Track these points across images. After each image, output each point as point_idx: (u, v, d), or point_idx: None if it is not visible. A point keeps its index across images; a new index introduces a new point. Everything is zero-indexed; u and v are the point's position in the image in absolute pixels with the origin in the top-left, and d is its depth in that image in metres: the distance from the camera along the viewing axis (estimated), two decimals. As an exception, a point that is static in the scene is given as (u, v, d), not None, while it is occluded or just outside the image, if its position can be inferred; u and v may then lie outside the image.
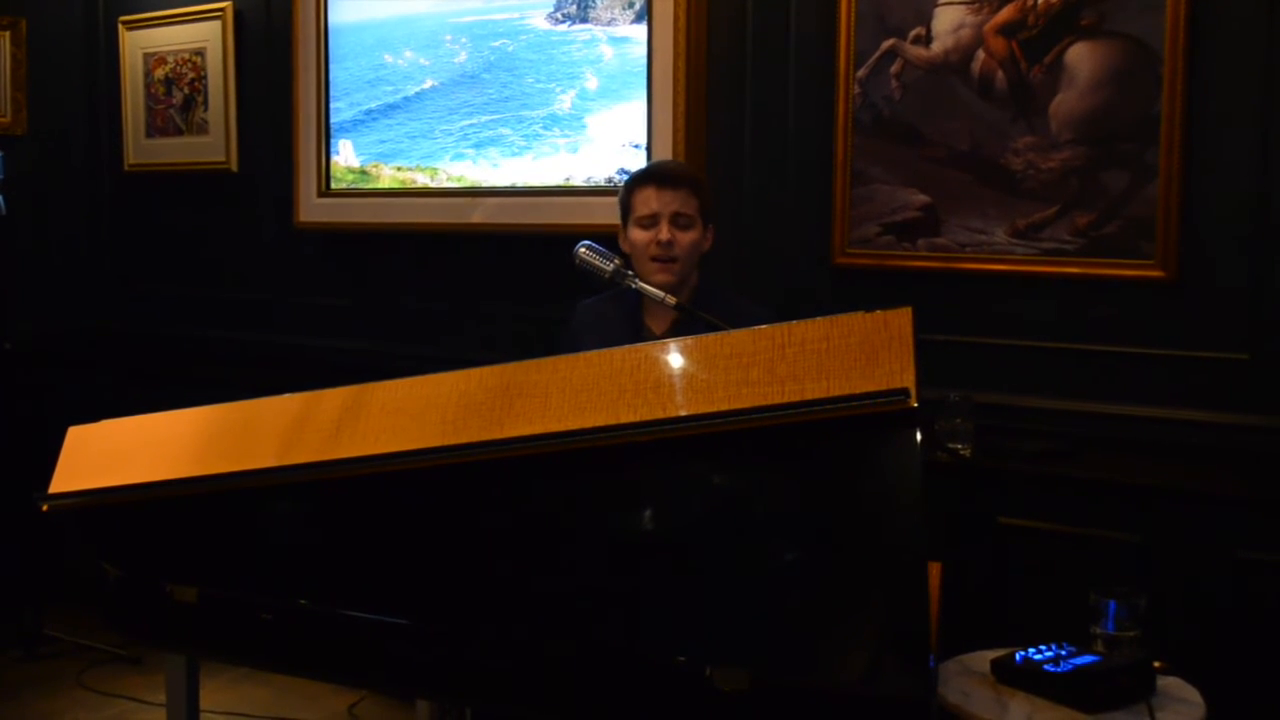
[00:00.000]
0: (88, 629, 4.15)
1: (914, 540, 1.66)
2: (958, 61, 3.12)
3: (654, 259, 2.66)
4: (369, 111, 4.14)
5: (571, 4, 3.73)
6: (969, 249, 3.13)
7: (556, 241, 2.98)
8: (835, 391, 1.69)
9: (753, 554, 1.75)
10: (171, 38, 4.64)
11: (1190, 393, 2.88)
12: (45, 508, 2.18)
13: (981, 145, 3.10)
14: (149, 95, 4.74)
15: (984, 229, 3.11)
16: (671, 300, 2.55)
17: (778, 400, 1.71)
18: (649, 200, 2.69)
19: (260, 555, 2.09)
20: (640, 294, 2.61)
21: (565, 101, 3.74)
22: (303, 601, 1.99)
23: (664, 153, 3.48)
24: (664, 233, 2.66)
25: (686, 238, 2.67)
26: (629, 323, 2.75)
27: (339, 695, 3.80)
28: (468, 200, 3.90)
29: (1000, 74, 3.06)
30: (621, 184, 2.87)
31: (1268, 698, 2.73)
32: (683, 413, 1.76)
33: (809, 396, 1.70)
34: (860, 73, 3.24)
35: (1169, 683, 2.40)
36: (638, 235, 2.69)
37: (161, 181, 4.78)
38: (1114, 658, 2.38)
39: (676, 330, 2.63)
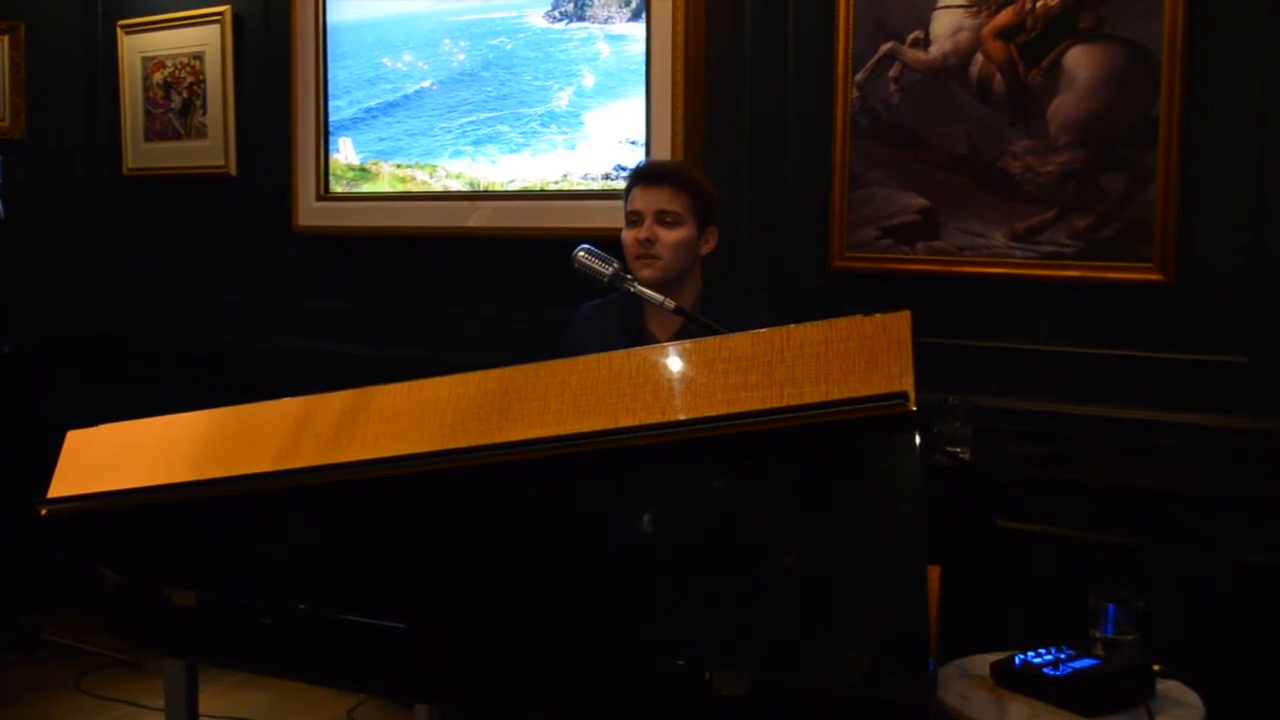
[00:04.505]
0: (86, 633, 4.14)
1: (913, 543, 1.66)
2: (956, 65, 3.13)
3: (636, 257, 2.67)
4: (369, 109, 4.15)
5: (569, 2, 3.74)
6: (967, 252, 3.13)
7: (555, 245, 2.98)
8: (834, 395, 1.69)
9: (752, 557, 1.75)
10: (170, 42, 4.64)
11: (1189, 396, 2.88)
12: (44, 512, 2.18)
13: (980, 148, 3.10)
14: (148, 99, 4.74)
15: (982, 232, 3.11)
16: (670, 304, 2.54)
17: (776, 404, 1.71)
18: (635, 198, 2.71)
19: (259, 559, 2.09)
20: (642, 298, 2.60)
21: (563, 99, 3.75)
22: (302, 606, 1.99)
23: (662, 150, 3.48)
24: (643, 231, 2.67)
25: (671, 236, 2.67)
26: (631, 328, 2.75)
27: (338, 700, 3.80)
28: (466, 204, 3.91)
29: (998, 77, 3.07)
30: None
31: (1267, 701, 2.73)
32: (681, 416, 1.76)
33: (808, 400, 1.70)
34: (858, 76, 3.25)
35: (1168, 686, 2.40)
36: (626, 233, 2.71)
37: (160, 185, 4.78)
38: (1113, 661, 2.38)
39: (682, 336, 2.62)
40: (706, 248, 2.75)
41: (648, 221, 2.67)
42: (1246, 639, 2.76)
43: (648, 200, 2.68)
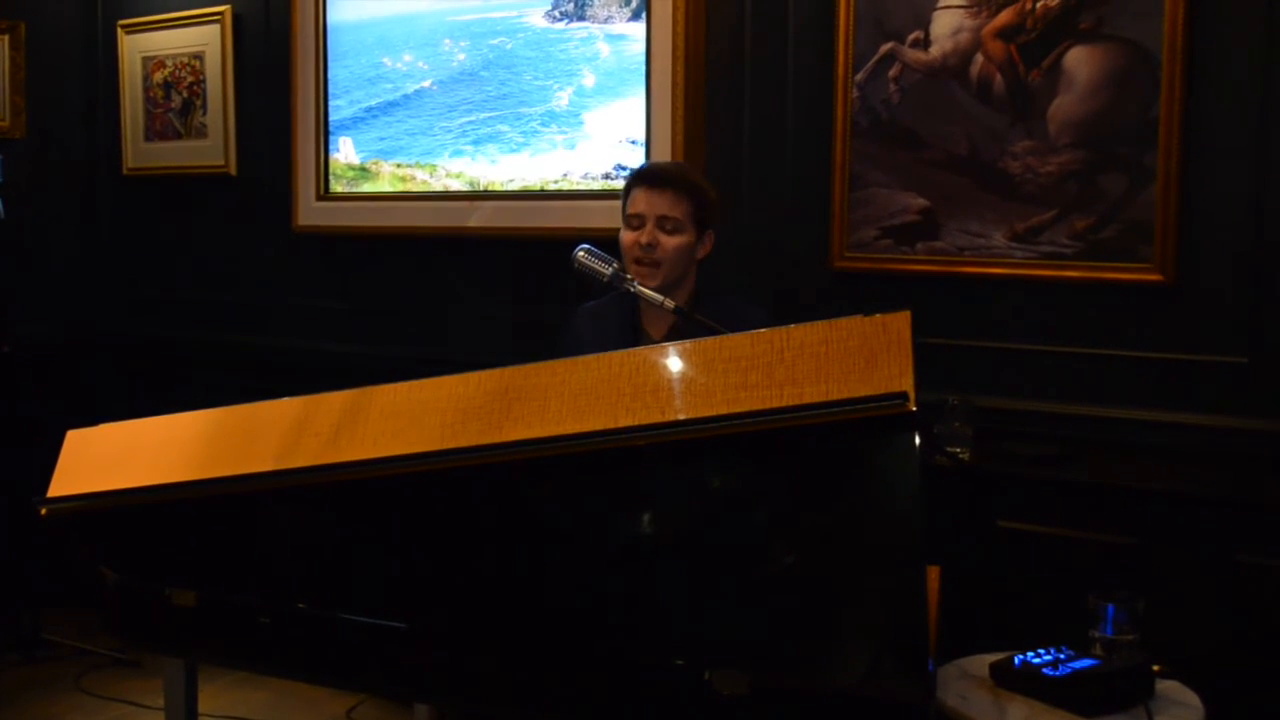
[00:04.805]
0: (86, 633, 4.14)
1: (913, 544, 1.66)
2: (956, 65, 3.13)
3: (636, 261, 2.67)
4: (369, 109, 4.15)
5: (569, 2, 3.74)
6: (967, 252, 3.13)
7: (555, 245, 2.98)
8: (834, 395, 1.69)
9: (752, 557, 1.75)
10: (170, 41, 4.64)
11: (1188, 396, 2.88)
12: (44, 511, 2.18)
13: (980, 149, 3.10)
14: (148, 99, 4.74)
15: (982, 232, 3.11)
16: (670, 304, 2.55)
17: (776, 404, 1.71)
18: (637, 201, 2.70)
19: (259, 559, 2.09)
20: (637, 297, 2.61)
21: (563, 99, 3.75)
22: (301, 605, 1.99)
23: (663, 150, 3.48)
24: (645, 235, 2.67)
25: (671, 242, 2.67)
26: (627, 326, 2.75)
27: (337, 699, 3.80)
28: (467, 204, 3.91)
29: (999, 77, 3.07)
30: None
31: (1266, 701, 2.73)
32: (681, 416, 1.76)
33: (807, 400, 1.70)
34: (859, 76, 3.25)
35: (1167, 686, 2.40)
36: (625, 235, 2.71)
37: (160, 185, 4.78)
38: (1112, 661, 2.38)
39: (675, 334, 2.63)
40: (703, 251, 2.76)
41: (649, 226, 2.67)
42: (1246, 639, 2.76)
43: (650, 204, 2.68)
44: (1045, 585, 2.93)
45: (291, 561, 2.08)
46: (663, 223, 2.67)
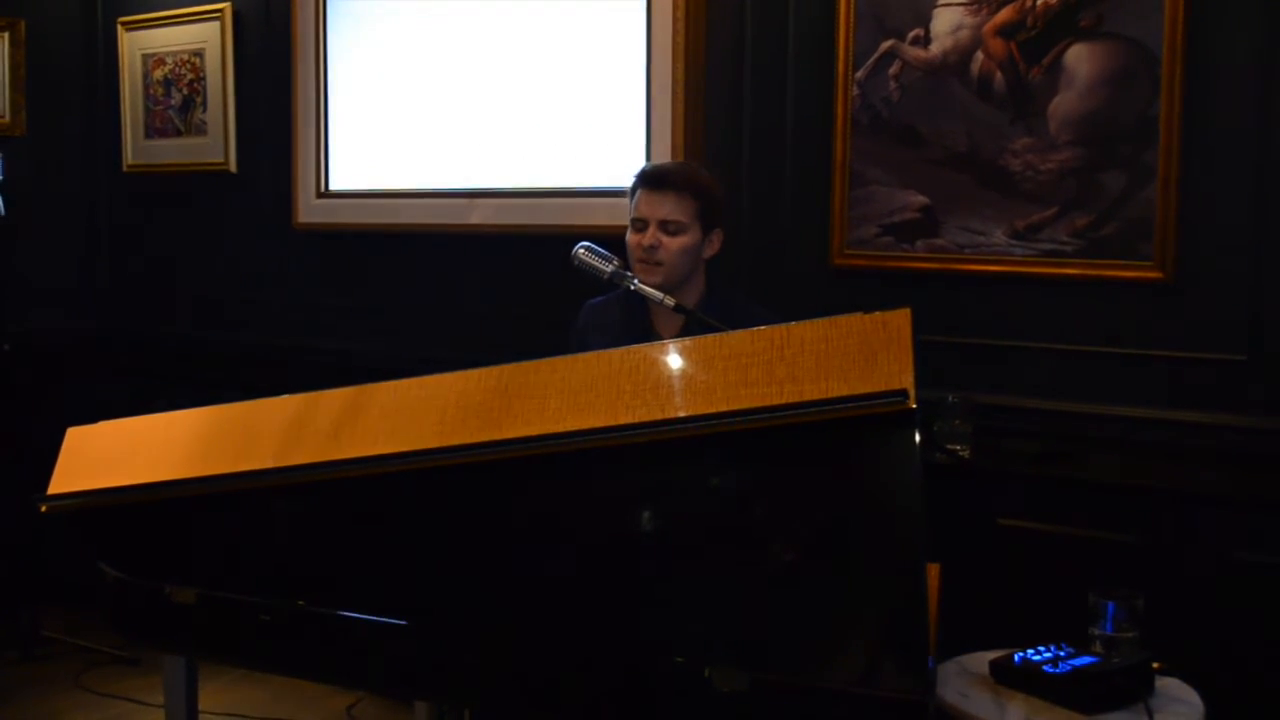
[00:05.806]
0: (86, 630, 4.15)
1: (913, 541, 1.66)
2: (956, 63, 3.12)
3: (640, 261, 2.67)
4: (368, 107, 4.14)
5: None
6: (967, 250, 3.13)
7: (556, 242, 2.98)
8: (834, 392, 1.69)
9: (752, 555, 1.75)
10: (170, 39, 4.64)
11: (1188, 394, 2.88)
12: (44, 508, 2.18)
13: (980, 146, 3.10)
14: (148, 96, 4.74)
15: (982, 230, 3.11)
16: (670, 302, 2.55)
17: (776, 401, 1.71)
18: (640, 203, 2.70)
19: (259, 556, 2.09)
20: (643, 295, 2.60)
21: (563, 97, 3.74)
22: (301, 603, 1.99)
23: (662, 149, 3.48)
24: (647, 238, 2.66)
25: (675, 243, 2.66)
26: (636, 326, 2.74)
27: (337, 696, 3.80)
28: (467, 201, 3.91)
29: (999, 75, 3.07)
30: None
31: (1266, 699, 2.73)
32: (681, 414, 1.76)
33: (807, 397, 1.70)
34: (859, 74, 3.25)
35: (1167, 684, 2.41)
36: (630, 236, 2.70)
37: (160, 182, 4.78)
38: (1112, 659, 2.38)
39: (686, 335, 2.62)
40: (710, 250, 2.75)
41: (651, 228, 2.67)
42: (1245, 637, 2.76)
43: (652, 206, 2.67)
44: (1045, 583, 2.93)
45: (291, 559, 2.08)
46: (665, 225, 2.66)
